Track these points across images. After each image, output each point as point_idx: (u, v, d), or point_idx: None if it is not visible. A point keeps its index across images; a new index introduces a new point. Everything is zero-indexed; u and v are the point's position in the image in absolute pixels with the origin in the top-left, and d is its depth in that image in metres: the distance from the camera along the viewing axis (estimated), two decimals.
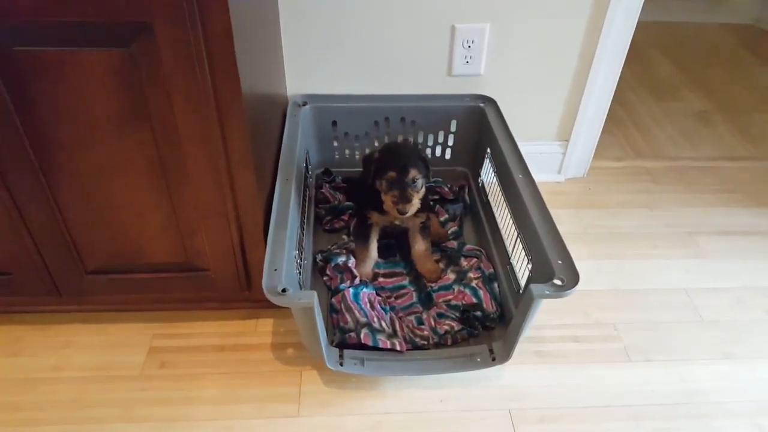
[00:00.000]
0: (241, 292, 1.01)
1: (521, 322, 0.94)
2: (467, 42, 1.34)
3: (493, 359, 1.00)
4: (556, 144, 1.56)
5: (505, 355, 1.00)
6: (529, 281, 1.04)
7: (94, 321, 1.14)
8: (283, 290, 0.87)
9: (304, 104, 1.34)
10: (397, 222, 1.17)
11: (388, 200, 1.08)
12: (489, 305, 1.14)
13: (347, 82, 1.40)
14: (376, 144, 1.41)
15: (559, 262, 0.95)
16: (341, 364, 0.97)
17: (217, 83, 0.77)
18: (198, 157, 0.84)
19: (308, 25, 1.31)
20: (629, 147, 1.79)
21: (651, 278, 1.31)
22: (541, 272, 0.98)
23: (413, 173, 1.07)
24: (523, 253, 1.07)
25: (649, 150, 1.79)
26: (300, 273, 1.06)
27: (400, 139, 1.40)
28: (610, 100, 1.51)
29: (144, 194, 0.88)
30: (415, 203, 1.08)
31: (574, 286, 0.90)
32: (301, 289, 1.04)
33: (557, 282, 0.91)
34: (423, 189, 1.12)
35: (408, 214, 1.08)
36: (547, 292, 0.90)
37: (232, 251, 0.97)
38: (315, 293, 0.87)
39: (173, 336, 1.12)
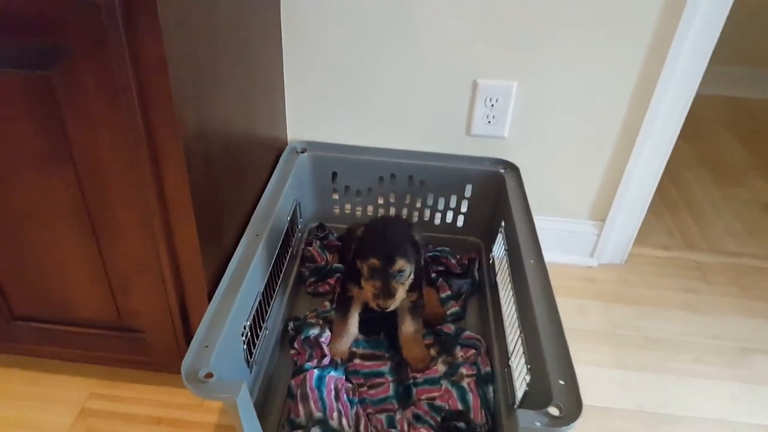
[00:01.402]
0: (180, 360, 0.86)
1: None
2: (490, 100, 1.18)
3: None
4: (590, 224, 1.36)
5: None
6: (524, 396, 0.83)
7: (27, 367, 1.01)
8: (208, 375, 0.71)
9: (303, 151, 1.22)
10: None
11: (367, 289, 0.93)
12: (477, 415, 0.94)
13: (354, 132, 1.27)
14: (380, 202, 1.26)
15: (561, 382, 0.75)
16: None
17: (151, 120, 0.65)
18: (128, 205, 0.72)
19: (314, 66, 1.20)
20: (679, 234, 1.56)
21: (688, 401, 1.07)
22: (538, 389, 0.79)
23: (400, 264, 0.91)
24: (523, 358, 0.87)
25: (702, 240, 1.54)
26: (255, 346, 0.90)
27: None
28: (658, 180, 1.30)
29: (69, 242, 0.77)
30: (400, 297, 0.92)
31: (574, 420, 0.70)
32: (249, 366, 0.88)
33: (553, 411, 0.71)
34: (411, 277, 0.95)
35: (389, 309, 0.91)
36: (538, 425, 0.70)
37: (168, 314, 0.83)
38: (243, 384, 0.70)
39: (110, 398, 0.98)
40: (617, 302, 1.30)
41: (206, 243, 0.79)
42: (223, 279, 0.84)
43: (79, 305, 0.84)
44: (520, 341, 0.90)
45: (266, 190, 1.06)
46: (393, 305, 0.90)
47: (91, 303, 0.83)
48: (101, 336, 0.88)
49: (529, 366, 0.84)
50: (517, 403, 0.86)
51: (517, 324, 0.93)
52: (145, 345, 0.87)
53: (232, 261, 0.87)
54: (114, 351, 0.89)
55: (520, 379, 0.89)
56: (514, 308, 0.96)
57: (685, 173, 1.86)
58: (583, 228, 1.36)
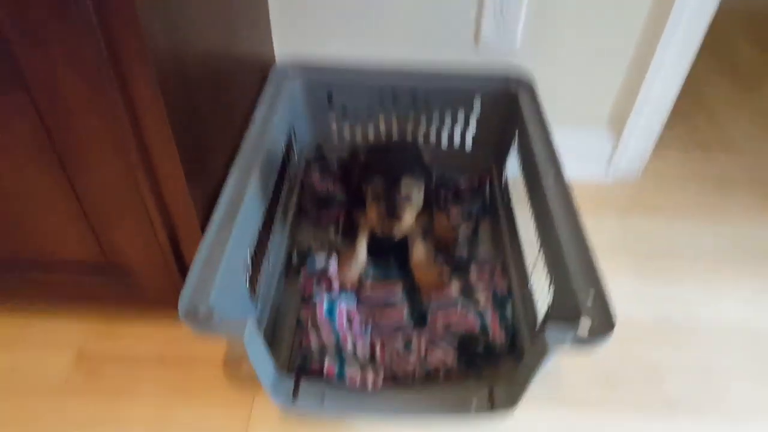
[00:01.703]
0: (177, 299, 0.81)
1: (531, 370, 0.70)
2: (500, 4, 1.07)
3: (492, 406, 0.77)
4: (606, 134, 1.28)
5: (509, 403, 0.76)
6: (547, 316, 0.79)
7: (16, 311, 0.97)
8: (209, 313, 0.66)
9: (292, 71, 1.11)
10: None
11: (372, 211, 0.86)
12: (497, 334, 0.90)
13: (348, 44, 1.16)
14: (382, 128, 1.18)
15: (590, 298, 0.70)
16: (294, 399, 0.76)
17: (112, 32, 0.55)
18: (97, 134, 0.63)
19: None
20: (695, 144, 1.48)
21: (710, 311, 1.03)
22: (564, 307, 0.74)
23: (406, 184, 0.84)
24: (545, 276, 0.82)
25: (720, 147, 1.47)
26: (258, 280, 0.85)
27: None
28: (679, 86, 1.21)
29: (36, 178, 0.68)
30: (407, 221, 0.86)
31: (605, 337, 0.66)
32: (253, 302, 0.83)
33: (583, 326, 0.67)
34: (420, 200, 0.88)
35: (396, 234, 0.85)
36: (567, 343, 0.65)
37: (159, 251, 0.77)
38: (249, 321, 0.65)
39: (108, 338, 0.94)
40: (634, 215, 1.25)
41: (193, 172, 0.71)
42: (216, 210, 0.77)
43: (59, 248, 0.77)
44: (541, 259, 0.85)
45: (255, 114, 0.97)
46: (400, 230, 0.84)
47: (71, 245, 0.76)
48: (89, 281, 0.82)
49: (551, 284, 0.79)
50: (539, 323, 0.82)
51: (537, 242, 0.87)
52: (138, 286, 0.82)
53: (224, 190, 0.80)
54: (106, 295, 0.84)
55: (542, 299, 0.84)
56: (533, 226, 0.90)
57: (701, 81, 1.75)
58: (599, 138, 1.28)
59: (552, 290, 0.79)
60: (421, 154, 0.88)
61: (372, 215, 0.85)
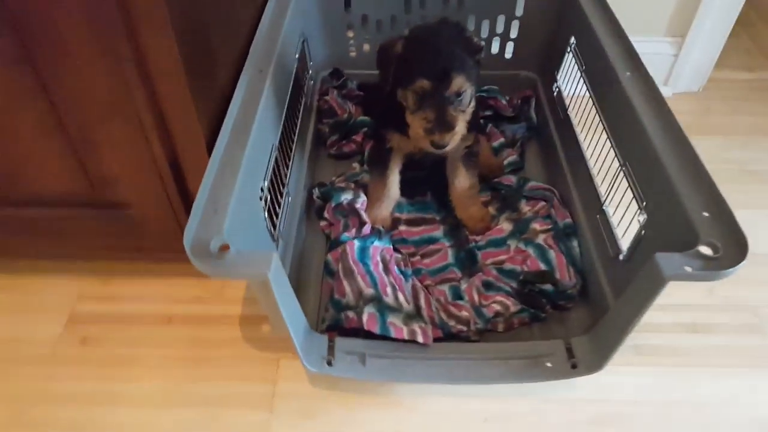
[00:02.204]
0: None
1: (631, 316, 0.55)
2: None
3: (574, 366, 0.62)
4: (667, 42, 1.10)
5: (596, 364, 0.62)
6: (639, 242, 0.63)
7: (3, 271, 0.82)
8: (224, 247, 0.50)
9: None
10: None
11: (416, 125, 0.68)
12: (565, 274, 0.75)
13: None
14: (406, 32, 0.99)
15: (706, 214, 0.54)
16: (329, 363, 0.61)
17: None
18: (68, 9, 0.46)
19: None
20: (760, 54, 1.30)
21: None
22: (666, 231, 0.58)
23: (459, 82, 0.66)
24: (630, 194, 0.66)
25: None
26: (278, 215, 0.70)
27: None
28: None
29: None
30: (460, 130, 0.68)
31: (738, 262, 0.50)
32: (275, 240, 0.68)
33: (705, 251, 0.51)
34: (472, 104, 0.71)
35: (449, 148, 0.68)
36: (689, 269, 0.50)
37: (158, 178, 0.61)
38: (273, 255, 0.50)
39: (105, 298, 0.79)
40: (701, 134, 1.08)
41: (195, 74, 0.55)
42: (224, 125, 0.61)
43: (36, 175, 0.61)
44: (622, 175, 0.69)
45: (264, 16, 0.79)
46: (453, 142, 0.67)
47: (50, 170, 0.60)
48: (77, 218, 0.66)
49: (642, 202, 0.64)
50: (624, 253, 0.67)
51: (614, 156, 0.71)
52: (135, 224, 0.66)
53: (233, 101, 0.63)
54: (97, 237, 0.68)
55: (623, 225, 0.69)
56: (606, 139, 0.74)
57: None
58: (657, 48, 1.10)
59: (644, 213, 0.63)
60: (471, 38, 0.70)
61: (417, 128, 0.68)
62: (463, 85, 0.66)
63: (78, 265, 0.81)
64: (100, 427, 0.67)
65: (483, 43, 0.71)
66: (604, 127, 0.75)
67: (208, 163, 0.56)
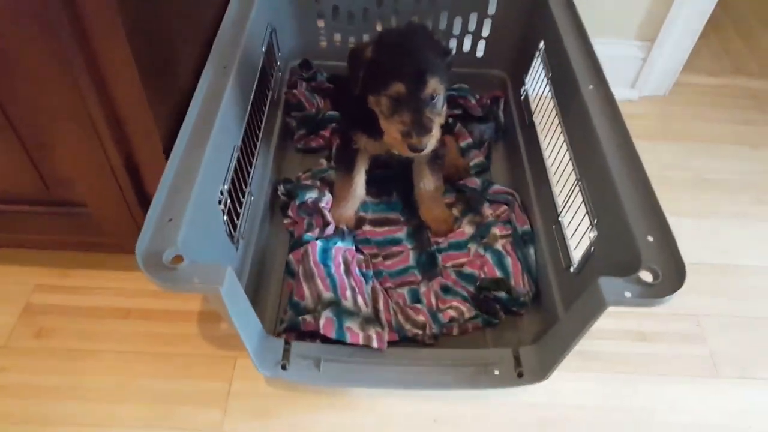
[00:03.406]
0: None
1: (575, 332, 0.58)
2: None
3: (520, 375, 0.65)
4: (636, 45, 1.11)
5: (540, 372, 0.64)
6: (588, 259, 0.66)
7: None
8: (177, 258, 0.50)
9: None
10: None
11: (392, 129, 0.68)
12: (519, 282, 0.77)
13: None
14: (379, 29, 0.98)
15: (650, 238, 0.56)
16: (284, 367, 0.63)
17: None
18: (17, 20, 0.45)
19: None
20: (727, 59, 1.32)
21: (753, 249, 0.92)
22: (613, 249, 0.61)
23: (433, 84, 0.66)
24: (584, 209, 0.68)
25: (755, 65, 1.31)
26: (240, 215, 0.70)
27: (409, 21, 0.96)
28: None
29: None
30: (436, 134, 0.68)
31: (675, 289, 0.53)
32: (235, 242, 0.68)
33: (646, 276, 0.53)
34: (445, 107, 0.71)
35: (426, 152, 0.68)
36: (629, 295, 0.52)
37: (112, 178, 0.60)
38: (227, 270, 0.50)
39: (61, 289, 0.79)
40: (664, 139, 1.10)
41: (150, 73, 0.54)
42: (183, 126, 0.60)
43: None
44: (578, 189, 0.70)
45: (229, 7, 0.77)
46: (430, 145, 0.68)
47: (2, 170, 0.59)
48: (32, 215, 0.65)
49: (594, 219, 0.66)
50: (575, 265, 0.69)
51: (572, 168, 0.72)
52: (92, 222, 0.66)
53: (194, 100, 0.62)
54: (53, 232, 0.68)
55: (577, 237, 0.71)
56: (565, 149, 0.75)
57: None
58: (626, 51, 1.11)
59: (595, 229, 0.65)
60: (440, 41, 0.70)
61: (392, 133, 0.68)
62: (437, 88, 0.66)
63: (34, 256, 0.79)
64: (52, 420, 0.67)
65: (452, 48, 0.71)
66: (565, 139, 0.76)
67: (165, 168, 0.55)
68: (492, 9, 0.95)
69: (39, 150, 0.57)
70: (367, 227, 0.86)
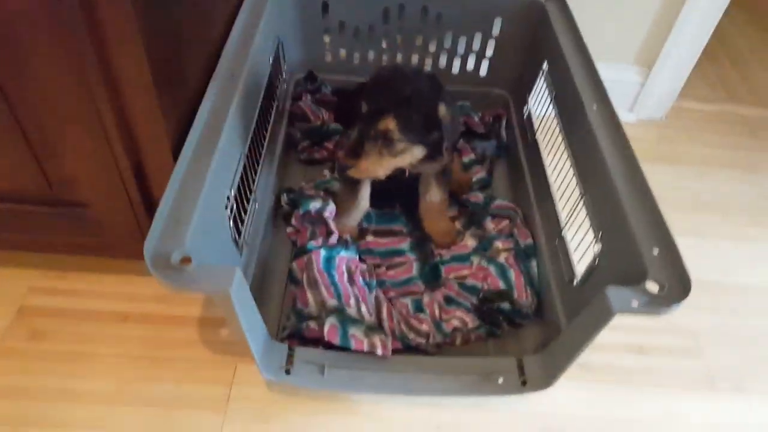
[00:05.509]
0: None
1: (580, 341, 0.58)
2: None
3: (524, 383, 0.65)
4: (634, 70, 1.13)
5: (544, 382, 0.64)
6: (592, 271, 0.66)
7: None
8: (185, 259, 0.50)
9: None
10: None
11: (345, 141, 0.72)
12: (522, 294, 0.77)
13: None
14: (384, 45, 1.00)
15: (655, 251, 0.57)
16: (288, 371, 0.62)
17: None
18: (23, 12, 0.45)
19: None
20: (721, 87, 1.35)
21: (749, 268, 0.93)
22: (617, 262, 0.61)
23: (387, 125, 0.67)
24: (588, 224, 0.69)
25: (746, 93, 1.34)
26: (244, 222, 0.70)
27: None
28: (717, 20, 1.07)
29: None
30: (374, 165, 0.70)
31: (680, 299, 0.53)
32: (239, 248, 0.68)
33: (652, 287, 0.54)
34: (414, 154, 0.72)
35: (357, 176, 0.72)
36: (636, 304, 0.52)
37: (119, 181, 0.60)
38: (236, 269, 0.50)
39: (57, 292, 0.78)
40: (660, 162, 1.12)
41: (163, 79, 0.55)
42: (192, 131, 0.60)
43: None
44: (581, 204, 0.71)
45: (238, 19, 0.79)
46: (359, 172, 0.70)
47: (4, 168, 0.59)
48: (33, 214, 0.65)
49: (598, 234, 0.66)
50: (578, 279, 0.69)
51: (576, 184, 0.74)
52: (94, 224, 0.65)
53: (202, 107, 0.63)
54: (54, 233, 0.67)
55: (580, 251, 0.71)
56: (569, 166, 0.76)
57: (724, 20, 1.60)
58: (625, 75, 1.14)
59: (599, 241, 0.66)
60: (437, 107, 0.70)
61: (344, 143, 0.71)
62: (392, 131, 0.67)
63: (32, 258, 0.78)
64: (47, 423, 0.65)
65: (448, 119, 0.71)
66: (569, 156, 0.77)
67: (173, 172, 0.55)
68: (496, 31, 0.98)
69: (46, 151, 0.57)
70: (370, 238, 0.86)
